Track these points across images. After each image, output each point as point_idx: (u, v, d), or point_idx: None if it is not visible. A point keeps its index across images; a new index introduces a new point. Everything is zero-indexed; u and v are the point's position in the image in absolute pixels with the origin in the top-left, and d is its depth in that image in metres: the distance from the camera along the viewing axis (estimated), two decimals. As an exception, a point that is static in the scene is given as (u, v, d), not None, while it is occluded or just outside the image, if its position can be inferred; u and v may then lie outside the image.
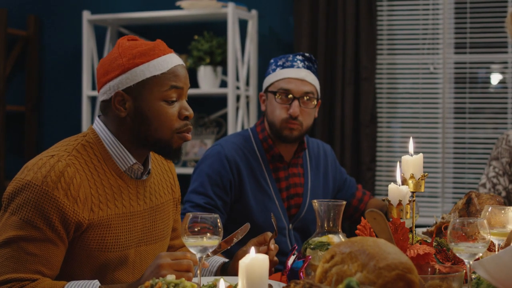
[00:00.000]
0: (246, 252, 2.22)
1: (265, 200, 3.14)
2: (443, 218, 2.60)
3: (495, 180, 3.59)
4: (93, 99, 5.18)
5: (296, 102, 3.12)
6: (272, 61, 3.25)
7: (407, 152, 5.01)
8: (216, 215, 1.94)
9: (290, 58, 3.19)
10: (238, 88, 4.88)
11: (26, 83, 5.49)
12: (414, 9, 4.80)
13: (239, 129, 4.83)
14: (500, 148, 3.61)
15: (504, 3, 4.64)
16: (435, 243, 2.25)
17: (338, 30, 4.75)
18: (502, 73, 4.73)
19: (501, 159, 3.57)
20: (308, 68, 3.18)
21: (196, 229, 1.93)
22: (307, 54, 3.23)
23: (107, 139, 2.18)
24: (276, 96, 3.14)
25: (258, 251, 2.31)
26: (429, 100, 4.79)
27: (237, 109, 4.88)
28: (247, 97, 4.98)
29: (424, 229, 2.66)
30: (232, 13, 4.74)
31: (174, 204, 2.41)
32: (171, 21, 5.14)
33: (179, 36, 5.09)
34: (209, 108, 5.15)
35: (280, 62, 3.20)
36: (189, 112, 2.18)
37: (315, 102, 3.18)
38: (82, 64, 5.12)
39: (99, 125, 2.21)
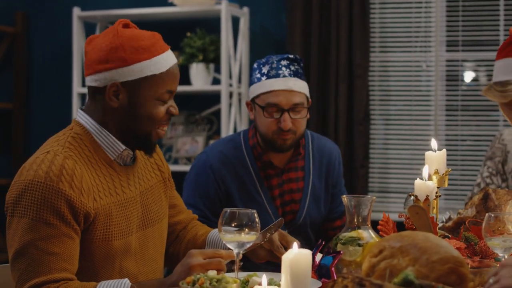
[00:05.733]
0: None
1: (256, 210, 3.02)
2: (459, 213, 2.61)
3: (488, 180, 3.63)
4: (83, 96, 5.14)
5: (286, 115, 2.95)
6: (255, 66, 3.06)
7: (400, 149, 5.04)
8: (254, 210, 1.93)
9: (275, 65, 2.99)
10: (230, 85, 4.87)
11: (14, 80, 5.42)
12: (406, 7, 4.83)
13: (231, 126, 4.82)
14: (494, 147, 3.65)
15: (496, 1, 4.68)
16: (463, 238, 2.26)
17: (331, 28, 4.76)
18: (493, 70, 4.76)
19: (495, 158, 3.60)
20: (295, 74, 3.00)
21: (233, 225, 1.92)
22: (291, 56, 3.03)
23: (93, 129, 2.18)
24: (265, 111, 2.98)
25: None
26: (421, 97, 4.83)
27: (230, 106, 4.87)
28: (239, 94, 4.97)
29: (440, 224, 2.68)
30: (225, 10, 4.73)
31: (163, 184, 2.40)
32: (164, 18, 5.11)
33: (172, 33, 5.06)
34: (201, 106, 5.13)
35: (264, 70, 3.01)
36: (176, 110, 2.23)
37: (306, 111, 3.02)
38: (72, 61, 5.07)
39: (83, 117, 2.20)
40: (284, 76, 2.97)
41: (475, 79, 4.86)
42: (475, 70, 4.85)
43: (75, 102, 5.04)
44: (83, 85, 5.14)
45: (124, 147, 2.19)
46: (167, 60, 2.17)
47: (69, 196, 2.01)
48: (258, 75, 3.02)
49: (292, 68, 3.01)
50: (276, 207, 3.08)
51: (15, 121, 5.41)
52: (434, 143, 2.31)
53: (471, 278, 1.95)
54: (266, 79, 2.98)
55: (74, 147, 2.12)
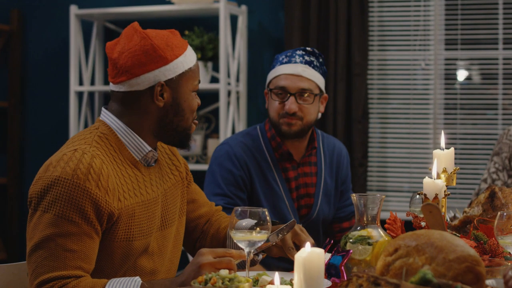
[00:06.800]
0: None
1: (274, 200, 3.10)
2: (465, 212, 2.60)
3: (494, 176, 3.63)
4: (80, 95, 5.11)
5: (292, 99, 3.04)
6: (275, 57, 3.19)
7: (399, 148, 5.03)
8: (265, 209, 1.91)
9: (290, 53, 3.12)
10: (229, 84, 4.85)
11: (9, 78, 5.39)
12: (405, 5, 4.82)
13: (229, 125, 4.80)
14: (501, 143, 3.65)
15: (495, -1, 4.69)
16: (472, 237, 2.25)
17: (329, 26, 4.75)
18: (492, 69, 4.77)
19: (501, 154, 3.60)
20: (307, 63, 3.09)
21: (244, 224, 1.90)
22: (309, 48, 3.14)
23: (119, 129, 2.17)
24: (273, 94, 3.10)
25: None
26: (420, 96, 4.82)
27: (228, 104, 4.86)
28: (238, 92, 4.95)
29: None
30: (223, 8, 4.71)
31: (181, 183, 2.40)
32: (161, 16, 5.09)
33: (169, 31, 5.03)
34: (199, 104, 5.10)
35: (280, 58, 3.14)
36: (199, 101, 2.28)
37: (313, 98, 3.08)
38: (69, 60, 5.04)
39: (108, 117, 2.20)
40: (296, 62, 3.09)
41: (473, 78, 4.86)
42: (473, 69, 4.85)
43: (72, 100, 5.01)
44: (80, 83, 5.12)
45: (149, 148, 2.19)
46: (193, 52, 2.23)
47: (94, 195, 2.01)
48: (275, 63, 3.15)
49: (306, 58, 3.11)
50: (292, 199, 3.14)
51: (11, 120, 5.38)
52: (442, 140, 2.30)
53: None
54: (279, 65, 3.11)
55: (100, 146, 2.12)
